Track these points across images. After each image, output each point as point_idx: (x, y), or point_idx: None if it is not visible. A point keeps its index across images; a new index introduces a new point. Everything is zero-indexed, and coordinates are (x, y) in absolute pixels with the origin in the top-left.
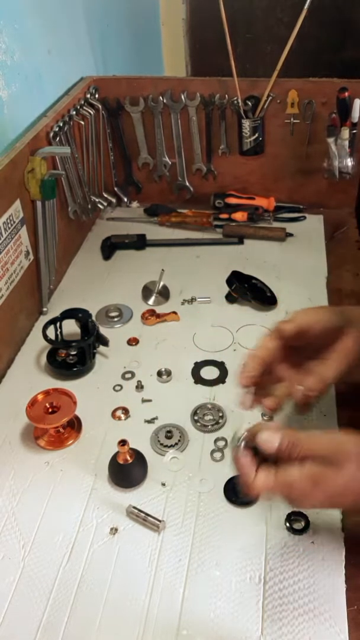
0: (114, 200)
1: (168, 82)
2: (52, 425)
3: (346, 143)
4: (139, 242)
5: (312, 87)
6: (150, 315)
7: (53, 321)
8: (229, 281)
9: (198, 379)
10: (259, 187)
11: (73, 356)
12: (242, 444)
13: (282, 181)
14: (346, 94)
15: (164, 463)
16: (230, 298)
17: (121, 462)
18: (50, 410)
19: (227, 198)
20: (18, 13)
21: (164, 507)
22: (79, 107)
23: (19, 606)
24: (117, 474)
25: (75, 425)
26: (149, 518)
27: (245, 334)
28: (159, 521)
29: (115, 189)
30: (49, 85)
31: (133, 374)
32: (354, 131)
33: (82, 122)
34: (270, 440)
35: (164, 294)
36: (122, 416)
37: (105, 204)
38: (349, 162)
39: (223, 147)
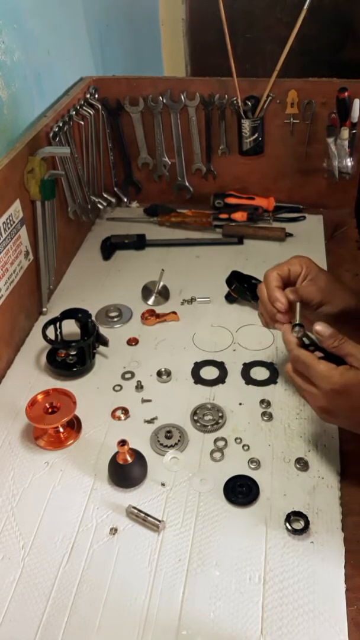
0: (113, 200)
1: (168, 82)
2: (52, 426)
3: (346, 143)
4: (139, 242)
5: (311, 87)
6: (150, 315)
7: (53, 321)
8: (229, 281)
9: (198, 379)
10: (258, 187)
11: (73, 356)
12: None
13: (281, 181)
14: (346, 94)
15: (163, 463)
16: (229, 298)
17: (121, 462)
18: (50, 410)
19: (227, 198)
20: (18, 13)
21: (163, 507)
22: (78, 107)
23: (19, 606)
24: (116, 474)
25: (75, 425)
26: (149, 518)
27: (245, 333)
28: (159, 521)
29: (115, 189)
30: (48, 85)
31: (133, 374)
32: (354, 131)
33: (82, 122)
34: (323, 330)
35: (164, 294)
36: (122, 416)
37: (105, 204)
38: (349, 162)
39: (223, 147)
